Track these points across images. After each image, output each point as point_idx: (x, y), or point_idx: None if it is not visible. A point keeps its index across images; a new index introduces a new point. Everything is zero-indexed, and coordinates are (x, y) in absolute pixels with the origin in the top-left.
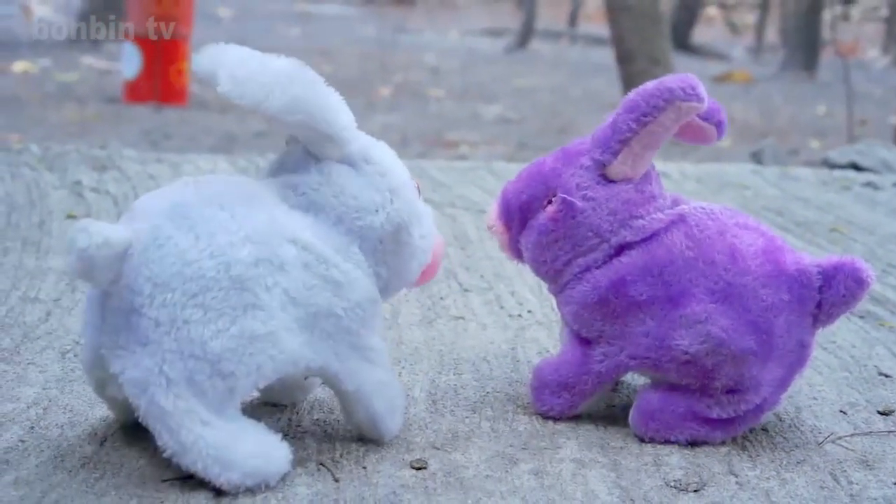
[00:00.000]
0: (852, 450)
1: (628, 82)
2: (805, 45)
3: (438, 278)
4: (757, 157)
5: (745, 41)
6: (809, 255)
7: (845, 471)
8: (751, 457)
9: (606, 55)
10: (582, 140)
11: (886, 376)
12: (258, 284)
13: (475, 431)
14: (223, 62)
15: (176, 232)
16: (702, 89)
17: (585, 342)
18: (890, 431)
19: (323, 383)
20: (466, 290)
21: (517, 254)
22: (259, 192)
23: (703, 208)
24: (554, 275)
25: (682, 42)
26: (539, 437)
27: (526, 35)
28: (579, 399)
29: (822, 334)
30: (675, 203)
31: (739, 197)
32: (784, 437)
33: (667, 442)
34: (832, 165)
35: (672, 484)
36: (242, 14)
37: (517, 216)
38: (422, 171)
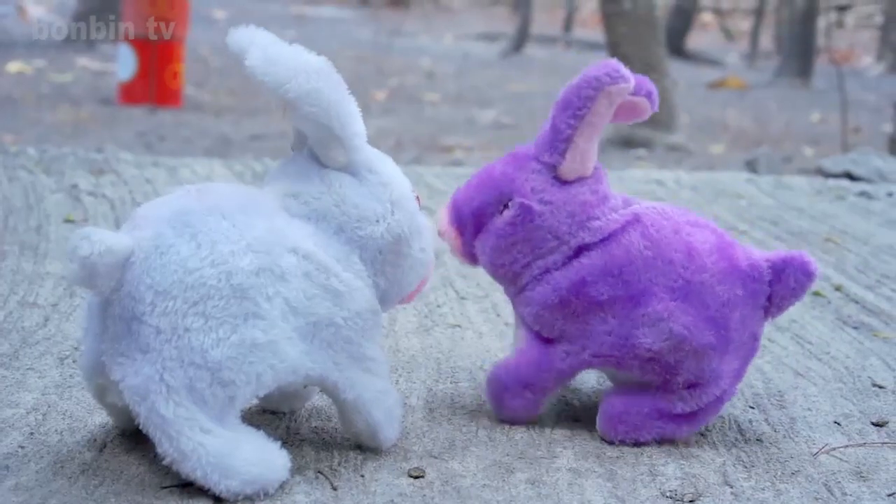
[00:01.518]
0: (846, 461)
1: None
2: (799, 52)
3: (435, 286)
4: (752, 166)
5: (740, 48)
6: (758, 249)
7: (839, 482)
8: (746, 467)
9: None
10: (528, 145)
11: (880, 387)
12: (259, 293)
13: (472, 440)
14: (257, 41)
15: (178, 240)
16: (624, 69)
17: (546, 341)
18: (884, 443)
19: (321, 391)
20: (463, 299)
21: (471, 258)
22: (260, 201)
23: (655, 208)
24: (512, 277)
25: (677, 48)
26: (535, 447)
27: (521, 40)
28: (541, 397)
29: (817, 345)
30: (627, 203)
31: (734, 206)
32: (779, 448)
33: (636, 443)
34: (826, 174)
35: (668, 494)
36: (238, 16)
37: (470, 221)
38: (417, 177)
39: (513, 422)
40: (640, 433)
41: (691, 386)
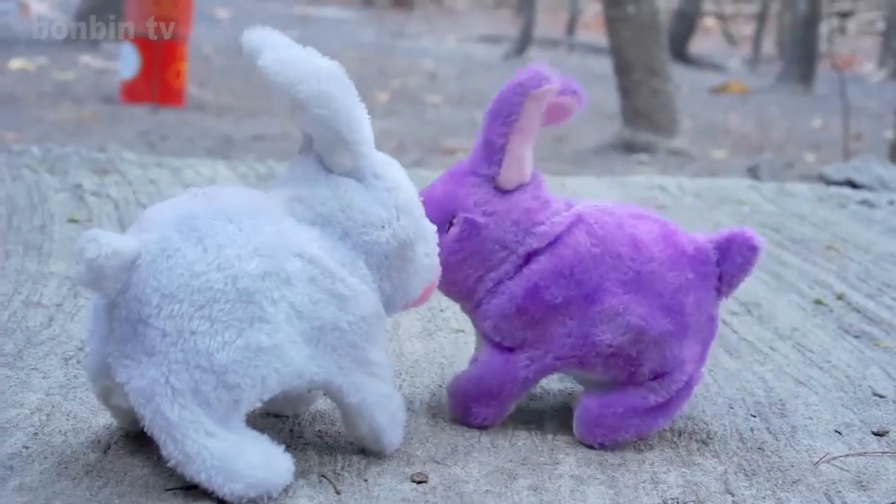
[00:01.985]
0: (847, 470)
1: (626, 92)
2: (802, 58)
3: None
4: (754, 173)
5: (742, 52)
6: (701, 234)
7: (840, 491)
8: (747, 476)
9: (604, 64)
10: (463, 161)
11: (881, 396)
12: (265, 297)
13: (475, 446)
14: (271, 42)
15: (184, 244)
16: (548, 72)
17: (507, 349)
18: (884, 452)
19: (325, 395)
20: None
21: None
22: (267, 205)
23: (597, 205)
24: (467, 293)
25: (680, 53)
26: (538, 453)
27: (524, 43)
28: (507, 403)
29: (818, 354)
30: (568, 205)
31: (737, 213)
32: (779, 457)
33: (615, 443)
34: (828, 181)
35: (670, 502)
36: (241, 16)
37: None
38: (420, 180)
39: (481, 428)
40: (618, 434)
41: (658, 376)
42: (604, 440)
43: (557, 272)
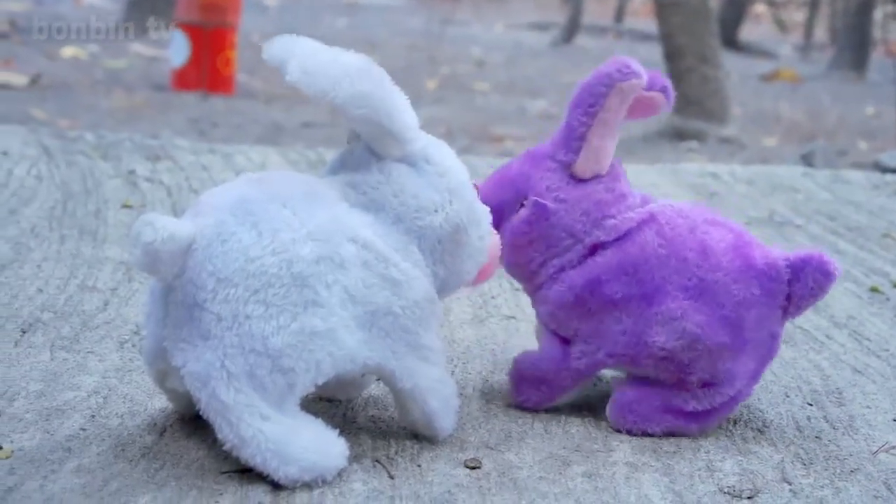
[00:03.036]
0: None
1: (676, 79)
2: (854, 45)
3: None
4: (807, 159)
5: (794, 39)
6: (778, 249)
7: None
8: (804, 464)
9: (653, 51)
10: (545, 144)
11: None
12: (319, 282)
13: (528, 432)
14: (294, 52)
15: (239, 228)
16: (636, 65)
17: (564, 339)
18: None
19: (377, 380)
20: (517, 290)
21: None
22: (321, 190)
23: (673, 206)
24: (529, 276)
25: (730, 39)
26: (592, 440)
27: (572, 30)
28: (558, 393)
29: (875, 342)
30: (645, 201)
31: (790, 200)
32: (837, 446)
33: (644, 434)
34: (884, 169)
35: (726, 490)
36: (289, 4)
37: None
38: (469, 167)
39: (524, 409)
40: (648, 424)
41: (705, 385)
42: (632, 427)
43: (621, 268)
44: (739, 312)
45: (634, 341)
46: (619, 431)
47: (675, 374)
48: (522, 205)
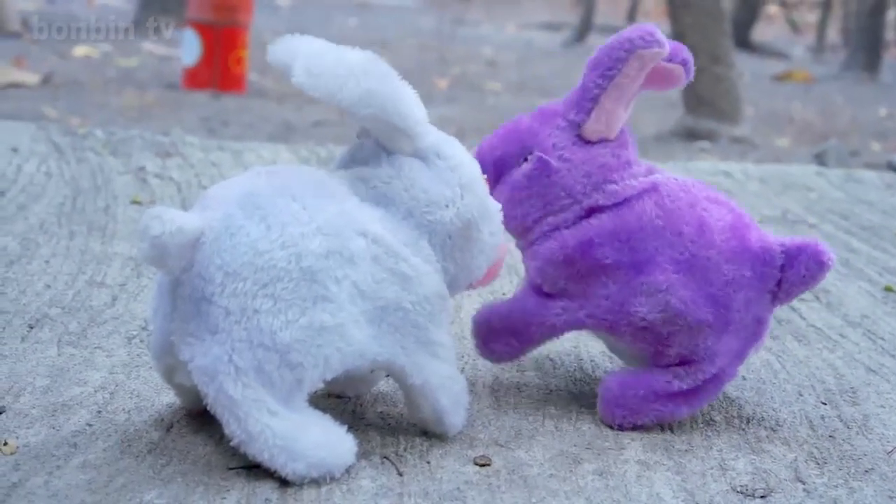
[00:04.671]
0: None
1: None
2: (867, 46)
3: (500, 273)
4: (820, 159)
5: (806, 40)
6: (774, 234)
7: None
8: (818, 464)
9: None
10: (558, 101)
11: None
12: (328, 276)
13: (538, 429)
14: (298, 54)
15: (248, 222)
16: (660, 34)
17: (544, 294)
18: None
19: (387, 376)
20: None
21: None
22: (330, 184)
23: (677, 180)
24: (523, 231)
25: (743, 40)
26: (603, 438)
27: (584, 30)
28: (526, 346)
29: (889, 342)
30: (650, 172)
31: (803, 199)
32: (851, 445)
33: (635, 427)
34: None
35: (738, 489)
36: (301, 3)
37: (490, 171)
38: None
39: (493, 362)
40: (638, 416)
41: (685, 362)
42: (623, 421)
43: (614, 234)
44: (727, 292)
45: (617, 308)
46: (611, 427)
47: (651, 345)
48: (526, 159)
